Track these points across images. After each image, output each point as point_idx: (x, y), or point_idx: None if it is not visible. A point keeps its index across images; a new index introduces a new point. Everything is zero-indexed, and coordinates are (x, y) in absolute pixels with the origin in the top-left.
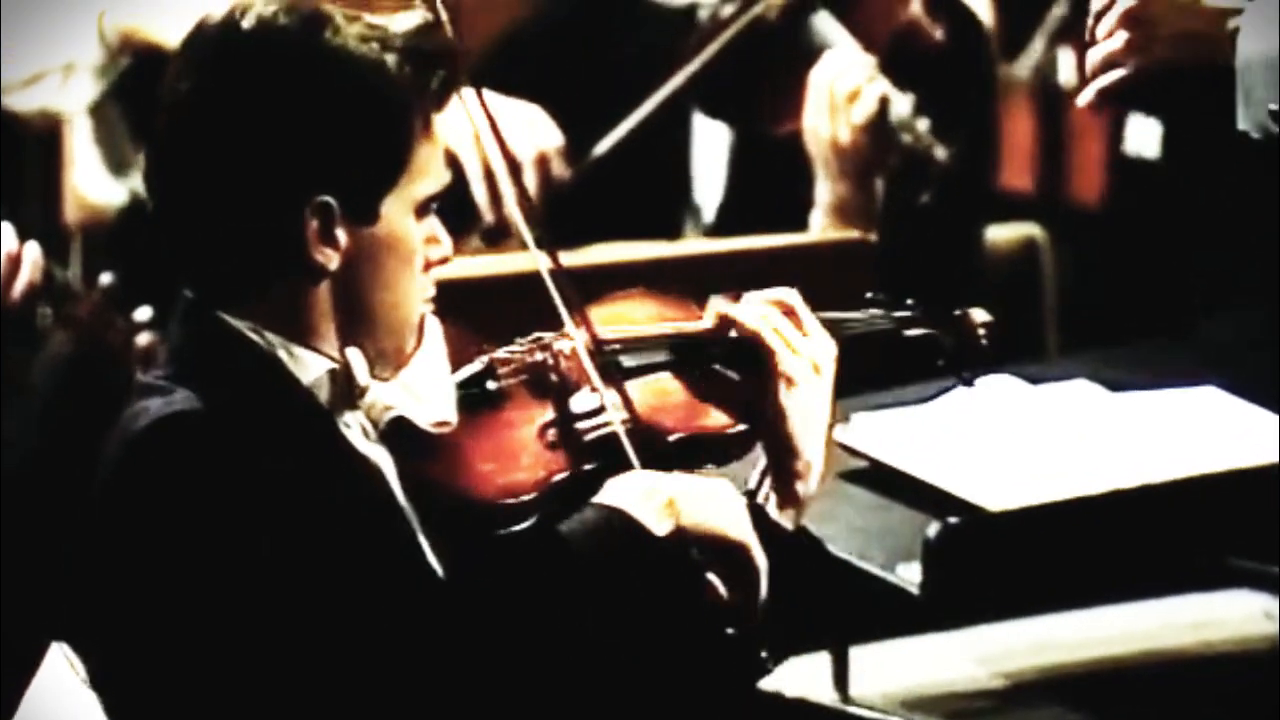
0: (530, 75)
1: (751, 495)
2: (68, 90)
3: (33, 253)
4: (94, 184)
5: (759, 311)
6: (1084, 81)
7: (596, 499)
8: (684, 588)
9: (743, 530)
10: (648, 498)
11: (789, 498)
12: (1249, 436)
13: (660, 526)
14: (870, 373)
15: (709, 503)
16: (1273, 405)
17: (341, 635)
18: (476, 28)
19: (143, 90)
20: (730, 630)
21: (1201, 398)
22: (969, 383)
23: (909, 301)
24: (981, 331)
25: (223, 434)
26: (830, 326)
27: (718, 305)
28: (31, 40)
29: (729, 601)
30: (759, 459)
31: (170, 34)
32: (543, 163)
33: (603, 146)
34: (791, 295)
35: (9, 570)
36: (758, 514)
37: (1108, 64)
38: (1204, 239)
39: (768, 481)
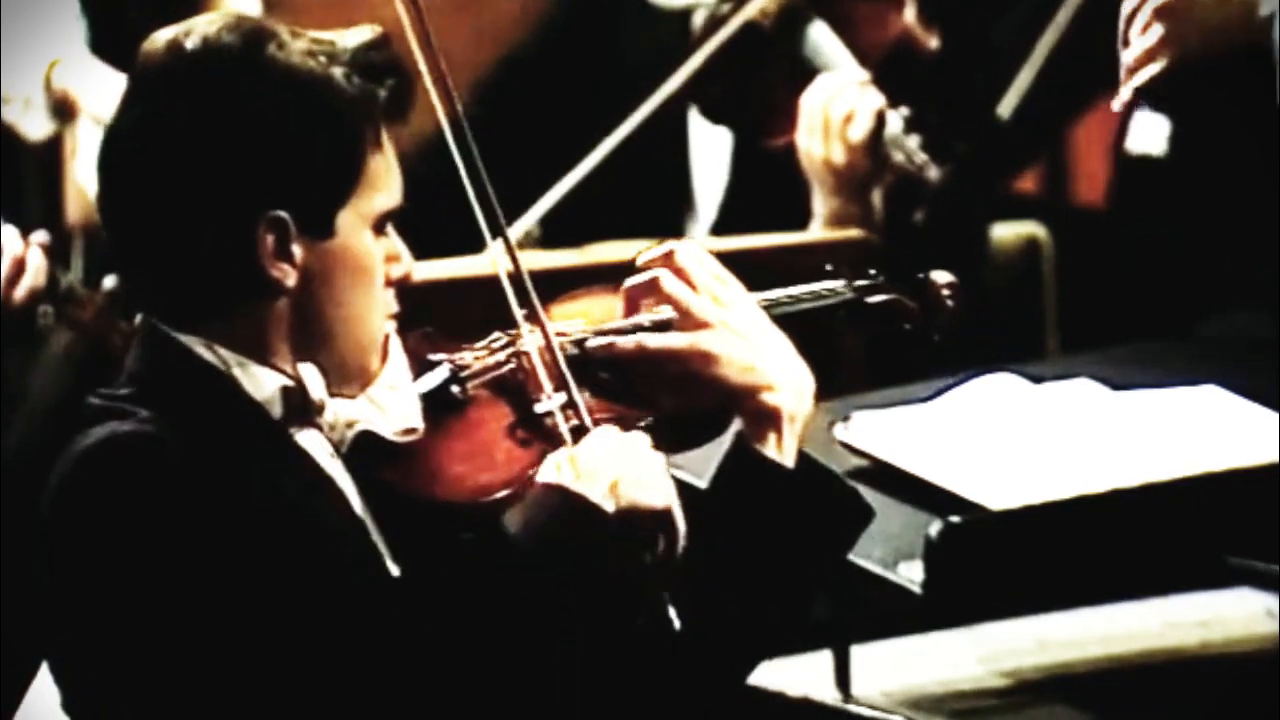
0: (531, 89)
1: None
2: (29, 119)
3: (36, 256)
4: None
5: (648, 276)
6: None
7: (541, 478)
8: (624, 561)
9: (671, 497)
10: (593, 479)
11: (774, 427)
12: (1249, 436)
13: (608, 506)
14: (842, 346)
15: (645, 478)
16: (1273, 405)
17: (300, 651)
18: (480, 49)
19: None
20: (649, 591)
21: (1202, 397)
22: (938, 344)
23: (871, 271)
24: (947, 292)
25: (165, 456)
26: (791, 301)
27: (624, 287)
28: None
29: (653, 564)
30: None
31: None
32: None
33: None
34: (675, 247)
35: (8, 571)
36: (745, 454)
37: (1143, 61)
38: (1204, 239)
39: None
